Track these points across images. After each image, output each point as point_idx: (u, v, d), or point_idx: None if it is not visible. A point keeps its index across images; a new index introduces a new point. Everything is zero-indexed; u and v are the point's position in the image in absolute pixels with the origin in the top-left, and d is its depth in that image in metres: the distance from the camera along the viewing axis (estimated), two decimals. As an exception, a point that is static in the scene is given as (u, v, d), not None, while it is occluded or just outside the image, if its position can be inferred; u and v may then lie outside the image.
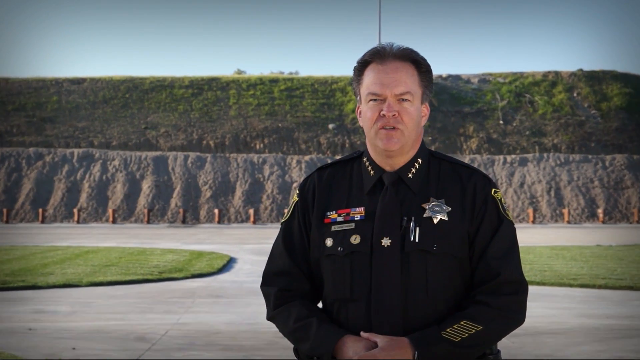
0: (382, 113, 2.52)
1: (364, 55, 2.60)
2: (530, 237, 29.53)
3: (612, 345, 8.64)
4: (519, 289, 2.53)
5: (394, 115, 2.51)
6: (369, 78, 2.55)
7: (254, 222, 43.44)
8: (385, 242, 2.51)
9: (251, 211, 44.04)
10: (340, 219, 2.58)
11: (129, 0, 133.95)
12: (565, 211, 44.88)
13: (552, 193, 46.68)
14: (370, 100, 2.55)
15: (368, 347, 2.44)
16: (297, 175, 46.87)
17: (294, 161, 48.04)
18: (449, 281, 2.52)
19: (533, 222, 44.05)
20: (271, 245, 2.76)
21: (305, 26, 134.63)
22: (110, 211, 43.84)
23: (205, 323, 10.04)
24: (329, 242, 2.57)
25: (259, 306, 10.88)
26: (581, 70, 56.26)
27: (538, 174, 47.94)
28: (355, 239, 2.54)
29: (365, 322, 2.51)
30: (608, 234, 33.69)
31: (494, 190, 2.60)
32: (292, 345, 2.63)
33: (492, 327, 2.47)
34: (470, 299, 2.52)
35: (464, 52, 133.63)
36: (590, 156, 49.17)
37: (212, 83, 53.89)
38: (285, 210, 2.89)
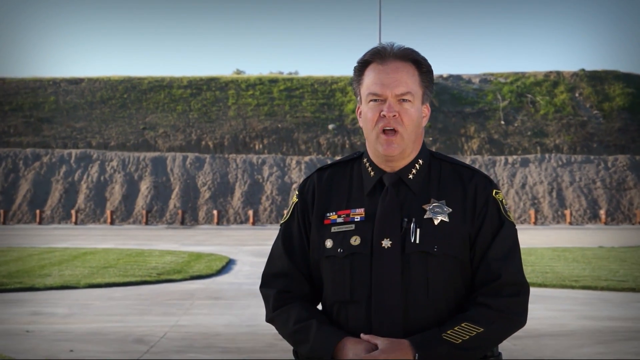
0: (382, 114, 2.52)
1: (364, 55, 2.59)
2: (531, 238, 29.53)
3: (614, 348, 8.60)
4: (520, 291, 2.53)
5: (394, 115, 2.51)
6: (370, 78, 2.55)
7: (253, 224, 43.47)
8: (386, 243, 2.51)
9: (250, 212, 44.07)
10: (340, 220, 2.58)
11: (127, 0, 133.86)
12: (567, 212, 44.93)
13: (554, 194, 46.69)
14: (371, 100, 2.54)
15: (368, 349, 2.44)
16: (297, 176, 46.87)
17: (294, 162, 48.04)
18: (450, 283, 2.52)
19: (535, 223, 44.11)
20: (270, 247, 2.75)
21: (304, 26, 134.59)
22: (108, 212, 43.85)
23: (204, 325, 10.02)
24: (328, 243, 2.57)
25: (258, 308, 10.87)
26: (583, 70, 56.32)
27: (540, 174, 47.95)
28: (355, 240, 2.54)
29: (365, 324, 2.50)
30: (610, 235, 33.66)
31: (495, 192, 2.60)
32: (292, 348, 2.63)
33: (493, 329, 2.48)
34: (471, 301, 2.52)
35: (465, 52, 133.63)
36: (592, 157, 49.19)
37: (211, 83, 53.93)
38: (285, 212, 2.86)
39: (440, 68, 66.48)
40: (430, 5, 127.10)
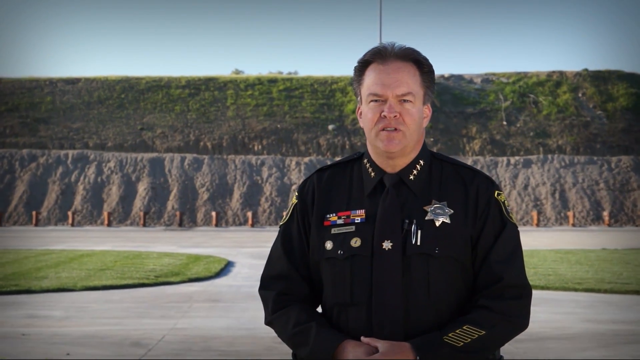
0: (383, 114, 2.52)
1: (364, 55, 2.59)
2: (534, 240, 29.53)
3: (618, 351, 8.58)
4: (522, 293, 2.53)
5: (395, 116, 2.51)
6: (370, 78, 2.56)
7: (252, 225, 43.51)
8: (387, 245, 2.51)
9: (249, 214, 44.09)
10: (340, 221, 2.58)
11: (124, 0, 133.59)
12: (570, 214, 44.92)
13: (557, 195, 46.68)
14: (371, 101, 2.55)
15: (369, 352, 2.43)
16: (296, 177, 46.90)
17: (293, 163, 48.05)
18: (451, 285, 2.53)
19: (537, 225, 44.13)
20: (269, 249, 2.75)
21: (304, 25, 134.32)
22: (105, 214, 43.82)
23: (202, 328, 10.03)
24: (328, 245, 2.57)
25: (257, 311, 10.83)
26: (586, 70, 56.32)
27: (542, 176, 47.93)
28: (355, 242, 2.54)
29: (365, 326, 2.51)
30: (614, 237, 33.59)
31: (497, 193, 2.60)
32: (291, 351, 2.63)
33: (495, 332, 2.47)
34: (473, 303, 2.52)
35: (466, 52, 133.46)
36: (595, 158, 49.20)
37: (209, 83, 53.94)
38: (284, 213, 2.80)
39: (442, 68, 66.29)
40: (432, 5, 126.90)
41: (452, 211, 2.54)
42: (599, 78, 55.25)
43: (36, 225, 42.92)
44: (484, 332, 2.45)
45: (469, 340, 2.44)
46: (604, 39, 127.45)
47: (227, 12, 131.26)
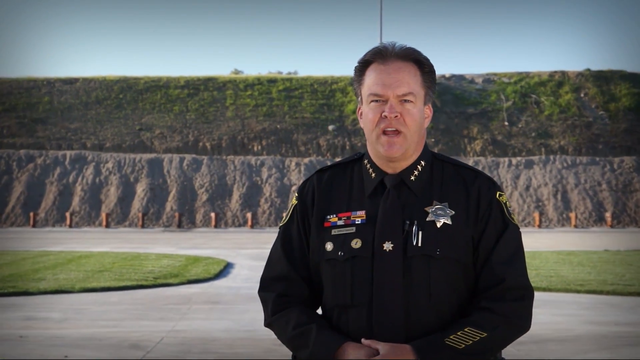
0: (383, 114, 2.52)
1: (365, 55, 2.60)
2: (536, 241, 29.56)
3: (620, 353, 8.60)
4: (524, 295, 2.52)
5: (396, 116, 2.51)
6: (371, 78, 2.56)
7: (252, 226, 43.54)
8: (387, 246, 2.51)
9: (249, 215, 44.09)
10: (340, 222, 2.58)
11: None
12: (572, 215, 44.91)
13: (559, 196, 46.68)
14: (372, 101, 2.55)
15: (369, 354, 2.43)
16: (296, 178, 46.95)
17: (293, 163, 48.06)
18: (453, 287, 2.52)
19: (539, 226, 44.12)
20: (269, 250, 2.75)
21: (304, 24, 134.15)
22: (103, 215, 43.85)
23: (201, 330, 10.08)
24: (329, 246, 2.57)
25: (257, 312, 10.74)
26: (588, 70, 56.40)
27: (544, 176, 47.92)
28: (356, 243, 2.54)
29: (366, 328, 2.50)
30: (616, 238, 33.58)
31: (499, 194, 2.61)
32: (291, 353, 2.63)
33: (496, 334, 2.47)
34: (475, 305, 2.52)
35: (467, 52, 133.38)
36: (597, 158, 49.22)
37: (208, 83, 53.93)
38: (284, 214, 2.83)
39: (443, 68, 66.31)
40: (432, 4, 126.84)
41: (453, 212, 2.54)
42: (602, 78, 55.29)
43: (34, 226, 42.99)
44: (485, 334, 2.45)
45: (471, 342, 2.44)
46: (607, 38, 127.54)
47: (226, 11, 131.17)
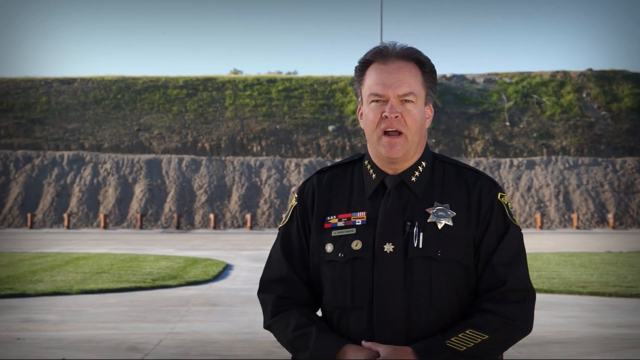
0: (384, 115, 2.52)
1: (365, 55, 2.60)
2: (537, 243, 29.52)
3: (622, 355, 8.62)
4: (526, 297, 2.52)
5: (396, 116, 2.51)
6: (371, 78, 2.56)
7: (251, 228, 43.47)
8: (388, 248, 2.51)
9: (248, 216, 44.04)
10: (340, 223, 2.58)
11: None
12: (574, 216, 44.83)
13: (561, 197, 46.62)
14: (372, 101, 2.55)
15: (370, 356, 2.43)
16: (296, 178, 46.91)
17: (293, 164, 48.01)
18: (454, 288, 2.52)
19: (541, 227, 43.99)
20: (269, 251, 2.74)
21: (304, 24, 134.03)
22: (101, 216, 43.79)
23: (200, 332, 10.12)
24: (329, 247, 2.57)
25: (256, 314, 10.87)
26: (591, 70, 56.40)
27: (546, 177, 47.83)
28: (356, 245, 2.54)
29: (366, 330, 2.50)
30: (619, 239, 33.54)
31: (500, 195, 2.60)
32: (291, 355, 2.62)
33: (498, 336, 2.47)
34: (476, 307, 2.51)
35: (468, 51, 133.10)
36: (600, 159, 49.15)
37: (207, 83, 53.87)
38: (284, 215, 2.78)
39: (444, 68, 66.42)
40: (433, 4, 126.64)
41: (454, 213, 2.54)
42: (604, 78, 55.28)
43: (31, 227, 42.97)
44: (486, 337, 2.45)
45: (472, 344, 2.44)
46: (609, 38, 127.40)
47: (225, 11, 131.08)
